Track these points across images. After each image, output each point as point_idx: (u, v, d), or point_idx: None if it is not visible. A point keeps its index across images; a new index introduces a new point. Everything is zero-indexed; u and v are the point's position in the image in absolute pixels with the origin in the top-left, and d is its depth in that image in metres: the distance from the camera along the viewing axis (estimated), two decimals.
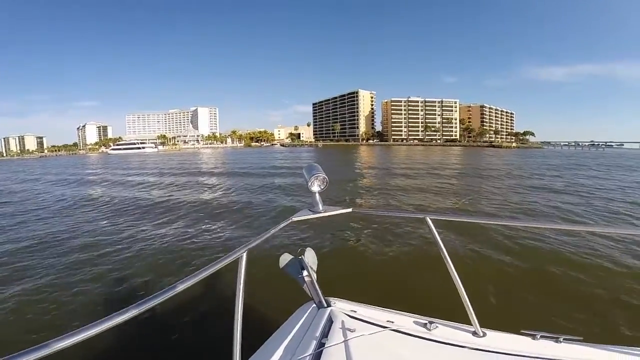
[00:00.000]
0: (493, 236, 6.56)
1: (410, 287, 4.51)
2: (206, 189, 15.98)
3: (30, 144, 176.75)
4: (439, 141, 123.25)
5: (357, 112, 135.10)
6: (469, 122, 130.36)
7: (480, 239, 6.41)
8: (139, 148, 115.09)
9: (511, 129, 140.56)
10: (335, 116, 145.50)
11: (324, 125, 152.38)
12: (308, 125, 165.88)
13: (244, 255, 1.17)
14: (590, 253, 5.68)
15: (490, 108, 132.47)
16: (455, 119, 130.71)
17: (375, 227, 7.31)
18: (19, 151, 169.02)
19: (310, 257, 1.63)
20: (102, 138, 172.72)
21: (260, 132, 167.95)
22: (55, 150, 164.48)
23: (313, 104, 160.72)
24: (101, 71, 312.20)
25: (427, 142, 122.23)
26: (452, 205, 10.89)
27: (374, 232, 7.11)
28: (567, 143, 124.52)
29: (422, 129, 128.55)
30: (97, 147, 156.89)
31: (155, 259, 6.08)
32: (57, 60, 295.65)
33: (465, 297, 1.35)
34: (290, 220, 1.51)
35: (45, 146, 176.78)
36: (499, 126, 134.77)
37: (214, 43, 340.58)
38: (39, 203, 13.36)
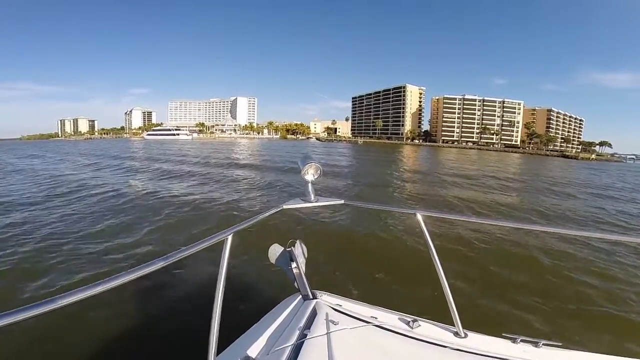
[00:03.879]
0: (484, 236, 6.34)
1: (398, 283, 4.41)
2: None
3: (83, 126, 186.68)
4: (496, 146, 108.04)
5: (403, 108, 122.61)
6: (533, 126, 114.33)
7: (471, 238, 6.21)
8: (173, 135, 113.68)
9: (579, 138, 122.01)
10: (377, 112, 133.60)
11: (363, 121, 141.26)
12: (346, 120, 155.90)
13: (229, 237, 1.11)
14: (584, 258, 5.46)
15: (557, 113, 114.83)
16: (519, 122, 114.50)
17: (368, 220, 7.28)
18: (72, 132, 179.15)
19: (299, 249, 1.58)
20: (146, 123, 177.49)
21: (296, 125, 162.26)
22: (103, 133, 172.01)
23: (352, 98, 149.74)
24: (151, 60, 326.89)
25: (483, 145, 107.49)
26: None
27: (366, 225, 6.99)
28: (634, 156, 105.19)
29: (479, 131, 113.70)
30: (139, 131, 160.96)
31: None
32: (113, 50, 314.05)
33: (450, 297, 1.34)
34: (281, 208, 1.45)
35: (96, 129, 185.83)
36: (567, 133, 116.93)
37: (257, 38, 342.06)
38: None
